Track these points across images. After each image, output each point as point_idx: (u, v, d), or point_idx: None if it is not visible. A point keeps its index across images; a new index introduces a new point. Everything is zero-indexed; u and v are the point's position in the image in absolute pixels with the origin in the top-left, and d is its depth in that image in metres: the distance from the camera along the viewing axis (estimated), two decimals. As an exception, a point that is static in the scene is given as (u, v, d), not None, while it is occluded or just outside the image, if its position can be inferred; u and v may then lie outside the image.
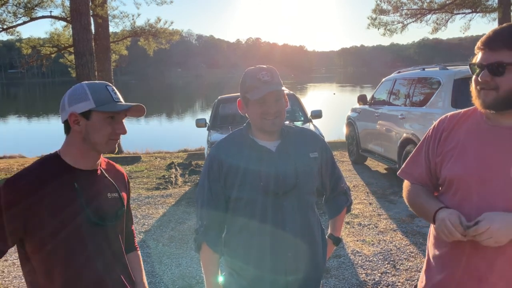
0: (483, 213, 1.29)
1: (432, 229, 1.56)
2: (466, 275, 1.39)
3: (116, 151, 1.52)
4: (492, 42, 1.31)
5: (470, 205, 1.35)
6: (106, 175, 1.56)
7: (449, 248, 1.44)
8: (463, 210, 1.35)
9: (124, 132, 1.48)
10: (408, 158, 1.65)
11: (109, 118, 1.45)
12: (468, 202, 1.36)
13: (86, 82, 1.50)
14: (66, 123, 1.46)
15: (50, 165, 1.44)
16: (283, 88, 1.66)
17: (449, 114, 1.54)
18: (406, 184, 1.64)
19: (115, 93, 1.48)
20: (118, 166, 1.70)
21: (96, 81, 1.51)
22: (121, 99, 1.50)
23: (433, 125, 1.57)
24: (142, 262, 1.77)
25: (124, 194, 1.62)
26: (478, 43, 1.35)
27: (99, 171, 1.54)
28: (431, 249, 1.55)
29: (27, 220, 1.34)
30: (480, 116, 1.43)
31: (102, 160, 1.59)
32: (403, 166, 1.66)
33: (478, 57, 1.36)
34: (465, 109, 1.51)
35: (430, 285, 1.52)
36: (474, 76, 1.37)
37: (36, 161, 1.45)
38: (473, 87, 1.38)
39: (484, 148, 1.37)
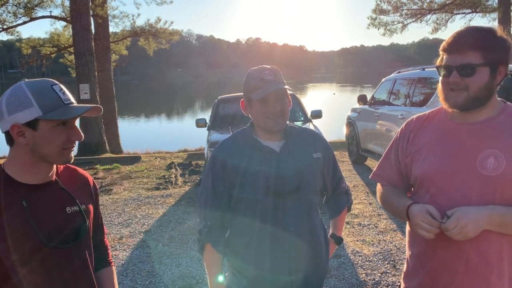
0: (456, 207, 1.34)
1: (408, 228, 1.60)
2: (442, 270, 1.44)
3: (72, 160, 1.32)
4: (460, 44, 1.37)
5: (444, 201, 1.40)
6: (63, 187, 1.34)
7: (425, 246, 1.48)
8: (437, 205, 1.39)
9: (80, 138, 1.28)
10: (379, 162, 1.70)
11: (60, 125, 1.24)
12: (441, 198, 1.41)
13: (27, 81, 1.26)
14: (8, 134, 1.24)
15: None
16: (286, 87, 1.66)
17: (415, 116, 1.61)
18: (378, 187, 1.70)
19: (64, 93, 1.26)
20: (81, 171, 1.48)
21: (38, 80, 1.27)
22: (72, 99, 1.28)
23: (400, 128, 1.63)
24: (115, 279, 1.56)
25: (89, 206, 1.41)
26: (444, 45, 1.40)
27: (53, 183, 1.32)
28: (408, 249, 1.60)
29: None
30: (445, 115, 1.50)
31: (58, 168, 1.38)
32: (374, 169, 1.72)
33: (444, 59, 1.41)
34: (429, 110, 1.58)
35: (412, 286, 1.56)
36: (441, 78, 1.43)
37: None
38: (440, 88, 1.44)
39: (451, 144, 1.44)
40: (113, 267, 1.59)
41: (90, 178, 1.50)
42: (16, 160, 1.27)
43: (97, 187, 1.53)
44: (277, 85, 1.62)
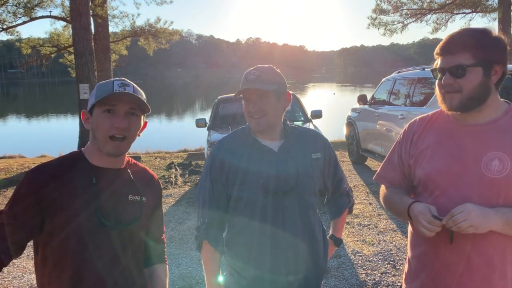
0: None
1: (410, 228, 1.60)
2: (443, 271, 1.44)
3: (120, 154, 1.42)
4: (451, 46, 1.38)
5: (447, 203, 1.39)
6: (132, 177, 1.48)
7: (427, 247, 1.48)
8: (440, 207, 1.39)
9: (121, 124, 1.36)
10: (382, 163, 1.69)
11: (106, 112, 1.37)
12: (444, 200, 1.41)
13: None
14: None
15: (71, 159, 1.42)
16: (272, 88, 1.62)
17: (417, 117, 1.61)
18: (382, 188, 1.69)
19: (120, 86, 1.38)
20: (149, 171, 1.61)
21: (113, 78, 1.45)
22: (127, 91, 1.38)
23: (403, 129, 1.63)
24: (167, 277, 1.65)
25: (149, 201, 1.52)
26: (437, 49, 1.42)
27: (124, 171, 1.47)
28: (409, 250, 1.60)
29: (43, 210, 1.32)
30: (447, 116, 1.50)
31: (131, 161, 1.53)
32: (378, 170, 1.71)
33: (438, 62, 1.43)
34: (432, 112, 1.58)
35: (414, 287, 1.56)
36: (437, 81, 1.43)
37: (60, 157, 1.45)
38: (437, 91, 1.44)
39: (455, 146, 1.44)
40: (167, 265, 1.68)
41: (156, 177, 1.62)
42: (90, 144, 1.44)
43: (161, 186, 1.64)
44: (254, 84, 1.61)
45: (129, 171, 1.49)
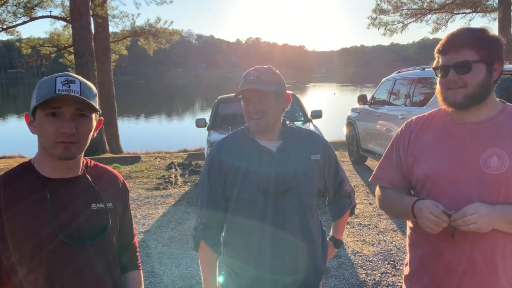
0: (465, 206, 1.32)
1: (408, 231, 1.58)
2: (446, 273, 1.43)
3: (73, 157, 1.25)
4: (454, 44, 1.39)
5: (446, 201, 1.39)
6: (92, 184, 1.32)
7: (428, 249, 1.47)
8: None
9: (66, 129, 1.19)
10: (378, 164, 1.67)
11: (50, 116, 1.20)
12: (443, 198, 1.40)
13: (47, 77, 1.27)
14: None
15: (19, 174, 1.26)
16: (272, 89, 1.62)
17: (414, 117, 1.61)
18: (377, 190, 1.68)
19: (64, 83, 1.21)
20: (111, 170, 1.46)
21: (56, 74, 1.27)
22: (73, 91, 1.21)
23: (400, 128, 1.63)
24: (143, 285, 1.53)
25: (117, 205, 1.38)
26: (439, 47, 1.43)
27: (81, 178, 1.32)
28: (409, 252, 1.58)
29: None
30: (445, 116, 1.50)
31: (90, 163, 1.39)
32: (374, 172, 1.69)
33: (439, 60, 1.43)
34: (428, 112, 1.58)
35: None
36: (439, 79, 1.44)
37: (7, 171, 1.28)
38: (438, 90, 1.45)
39: (454, 145, 1.44)
40: (141, 271, 1.55)
41: (120, 178, 1.47)
42: (38, 153, 1.29)
43: (127, 186, 1.50)
44: (254, 85, 1.60)
45: (88, 176, 1.33)
